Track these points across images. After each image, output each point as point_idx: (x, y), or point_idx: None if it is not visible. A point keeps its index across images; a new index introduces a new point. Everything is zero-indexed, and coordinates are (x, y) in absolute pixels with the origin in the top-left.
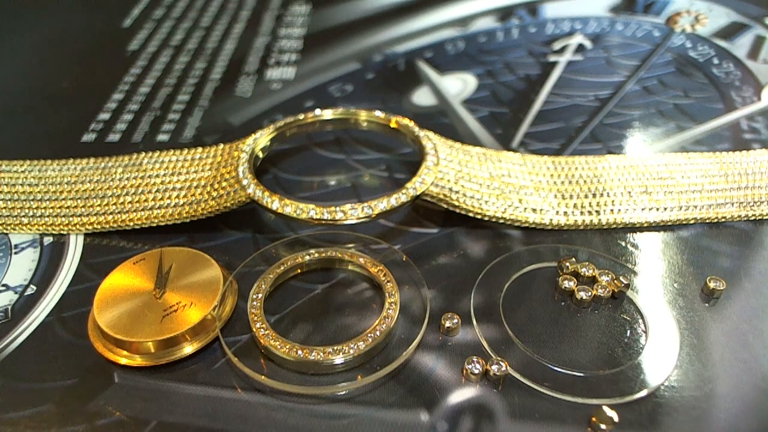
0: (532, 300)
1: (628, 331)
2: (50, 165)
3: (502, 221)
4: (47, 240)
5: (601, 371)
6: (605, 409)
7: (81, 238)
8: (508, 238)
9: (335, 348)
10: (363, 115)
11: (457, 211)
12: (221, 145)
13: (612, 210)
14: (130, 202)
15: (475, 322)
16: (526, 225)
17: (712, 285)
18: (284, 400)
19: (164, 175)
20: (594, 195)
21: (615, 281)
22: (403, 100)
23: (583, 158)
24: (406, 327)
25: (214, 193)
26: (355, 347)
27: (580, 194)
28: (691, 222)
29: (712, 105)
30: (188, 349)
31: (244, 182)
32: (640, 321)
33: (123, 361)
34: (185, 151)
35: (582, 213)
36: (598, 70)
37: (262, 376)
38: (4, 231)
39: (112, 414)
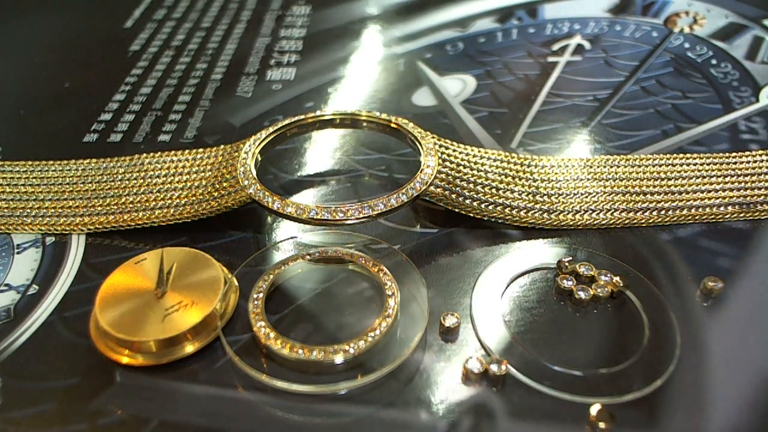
0: (532, 299)
1: (627, 331)
2: (52, 165)
3: (501, 221)
4: (49, 240)
5: (600, 370)
6: (604, 407)
7: (83, 238)
8: (508, 237)
9: (336, 347)
10: (363, 115)
11: (457, 211)
12: (222, 146)
13: (610, 209)
14: (131, 203)
15: (474, 321)
16: (526, 225)
17: (710, 285)
18: (285, 399)
19: (166, 175)
20: (592, 194)
21: (614, 281)
22: (403, 100)
23: (582, 158)
24: (406, 326)
25: (216, 194)
26: (356, 346)
27: (578, 194)
28: (689, 222)
29: (711, 105)
30: (189, 348)
31: (245, 182)
32: (639, 320)
33: (124, 360)
34: (186, 151)
35: (581, 212)
36: (597, 70)
37: (263, 375)
38: (7, 231)
39: (114, 413)
